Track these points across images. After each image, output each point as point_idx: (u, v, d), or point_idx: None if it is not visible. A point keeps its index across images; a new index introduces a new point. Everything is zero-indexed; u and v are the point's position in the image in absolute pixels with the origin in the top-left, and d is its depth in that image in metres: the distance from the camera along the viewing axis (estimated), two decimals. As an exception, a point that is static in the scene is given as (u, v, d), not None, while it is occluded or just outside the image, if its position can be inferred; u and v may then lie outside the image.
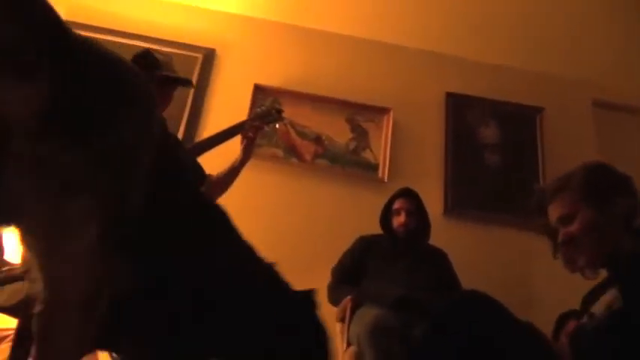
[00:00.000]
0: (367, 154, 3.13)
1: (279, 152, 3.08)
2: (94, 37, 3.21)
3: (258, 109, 2.33)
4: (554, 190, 1.37)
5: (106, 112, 0.78)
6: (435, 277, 2.35)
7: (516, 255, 2.96)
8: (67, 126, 0.74)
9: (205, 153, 2.13)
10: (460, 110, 3.29)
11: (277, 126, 2.49)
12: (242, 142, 2.17)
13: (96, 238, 0.74)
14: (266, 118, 2.26)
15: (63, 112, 0.74)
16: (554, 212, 1.36)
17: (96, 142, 0.76)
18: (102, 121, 0.77)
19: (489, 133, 3.27)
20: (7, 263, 1.91)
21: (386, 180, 3.03)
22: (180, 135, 2.95)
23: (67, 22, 2.67)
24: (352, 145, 3.14)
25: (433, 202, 2.88)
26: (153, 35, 3.18)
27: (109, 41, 3.11)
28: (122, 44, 3.07)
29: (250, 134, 2.15)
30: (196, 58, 3.21)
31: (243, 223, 2.83)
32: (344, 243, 2.54)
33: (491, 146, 3.23)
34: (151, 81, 1.90)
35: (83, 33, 2.98)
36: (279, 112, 2.32)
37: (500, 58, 3.39)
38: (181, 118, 3.04)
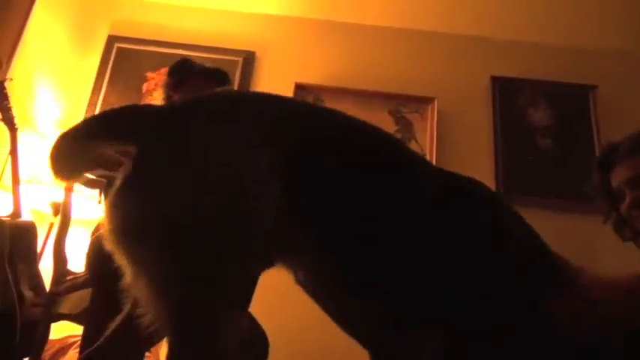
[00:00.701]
0: (413, 146, 3.07)
1: (324, 150, 3.08)
2: (139, 49, 3.31)
3: None
4: (629, 149, 1.26)
5: None
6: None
7: (576, 241, 2.84)
8: None
9: None
10: (507, 94, 3.19)
11: None
12: None
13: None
14: None
15: None
16: (624, 172, 1.26)
17: None
18: None
19: (540, 115, 3.16)
20: (70, 273, 1.99)
21: (434, 171, 2.97)
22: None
23: (112, 37, 2.72)
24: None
25: (484, 190, 2.81)
26: (193, 42, 3.26)
27: (152, 52, 3.21)
28: (165, 54, 3.16)
29: None
30: (237, 61, 3.25)
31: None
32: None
33: (542, 129, 3.12)
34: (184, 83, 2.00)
35: (128, 46, 3.10)
36: None
37: (544, 35, 3.26)
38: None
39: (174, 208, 0.77)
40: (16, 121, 2.33)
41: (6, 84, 2.28)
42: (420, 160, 1.06)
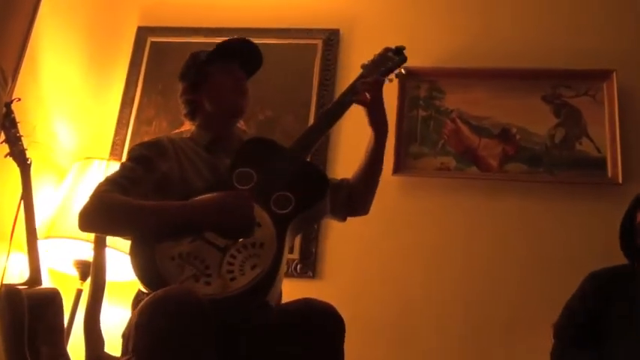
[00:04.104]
0: (585, 146, 2.99)
1: (450, 161, 3.05)
2: (180, 42, 3.41)
3: (367, 62, 2.21)
4: None
5: None
6: None
7: None
8: None
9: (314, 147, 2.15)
10: None
11: (403, 71, 2.40)
12: (367, 114, 2.13)
13: None
14: (382, 67, 2.17)
15: None
16: None
17: None
18: None
19: None
20: (108, 357, 2.04)
21: (620, 180, 2.87)
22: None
23: (143, 28, 2.84)
24: (559, 135, 3.02)
25: None
26: (251, 26, 3.36)
27: (198, 43, 3.32)
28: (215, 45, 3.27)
29: (368, 96, 2.10)
30: (314, 45, 3.34)
31: (405, 266, 2.80)
32: (567, 284, 2.41)
33: None
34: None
35: (165, 39, 3.23)
36: (399, 51, 2.24)
37: None
38: (307, 119, 3.18)
39: None
40: (28, 154, 2.46)
41: (13, 106, 2.41)
42: None
